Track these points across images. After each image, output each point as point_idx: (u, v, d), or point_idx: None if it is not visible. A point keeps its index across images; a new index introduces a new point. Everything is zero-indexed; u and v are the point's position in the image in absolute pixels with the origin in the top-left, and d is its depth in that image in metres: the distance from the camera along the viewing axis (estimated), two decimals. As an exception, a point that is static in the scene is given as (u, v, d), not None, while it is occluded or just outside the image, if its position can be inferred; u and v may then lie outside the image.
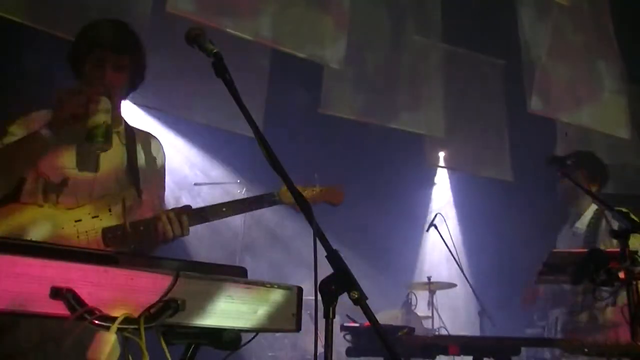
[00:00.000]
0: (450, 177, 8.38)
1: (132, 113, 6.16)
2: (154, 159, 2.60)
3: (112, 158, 2.43)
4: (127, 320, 1.25)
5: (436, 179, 8.45)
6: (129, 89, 2.57)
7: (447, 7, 6.07)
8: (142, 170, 2.51)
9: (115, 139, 2.42)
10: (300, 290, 1.53)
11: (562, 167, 3.30)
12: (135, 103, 5.53)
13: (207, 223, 2.53)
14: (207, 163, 6.96)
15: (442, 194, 8.44)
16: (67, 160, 2.36)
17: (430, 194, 8.48)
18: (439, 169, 8.20)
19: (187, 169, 6.82)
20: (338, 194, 3.00)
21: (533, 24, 6.10)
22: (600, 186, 3.65)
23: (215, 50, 1.82)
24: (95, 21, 2.51)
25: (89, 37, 2.42)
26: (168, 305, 1.29)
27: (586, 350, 2.80)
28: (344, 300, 1.48)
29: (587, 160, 3.76)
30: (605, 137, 6.28)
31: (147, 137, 2.66)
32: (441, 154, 6.95)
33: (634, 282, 2.55)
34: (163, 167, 2.66)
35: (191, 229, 2.39)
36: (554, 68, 6.05)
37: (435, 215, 6.34)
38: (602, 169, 3.78)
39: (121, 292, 1.29)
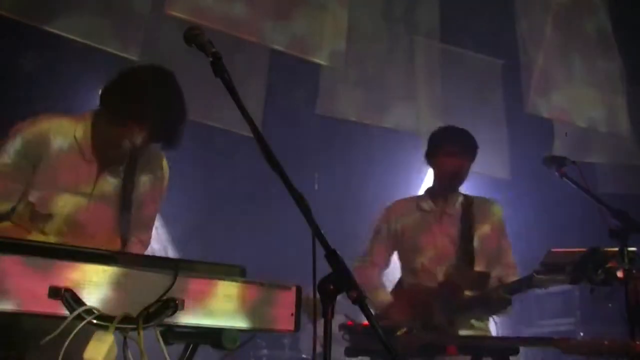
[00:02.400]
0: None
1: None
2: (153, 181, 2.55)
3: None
4: (126, 319, 1.25)
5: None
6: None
7: (446, 6, 6.07)
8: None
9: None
10: (299, 289, 1.53)
11: (560, 167, 3.30)
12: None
13: None
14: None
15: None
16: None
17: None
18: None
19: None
20: None
21: (531, 23, 6.10)
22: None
23: (214, 50, 1.82)
24: (141, 75, 2.38)
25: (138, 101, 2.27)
26: (167, 304, 1.30)
27: (585, 350, 2.81)
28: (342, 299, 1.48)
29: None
30: (604, 137, 6.28)
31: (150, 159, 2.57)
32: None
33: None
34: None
35: None
36: (552, 68, 6.05)
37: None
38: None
39: (120, 291, 1.29)
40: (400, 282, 3.53)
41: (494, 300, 3.00)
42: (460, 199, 3.46)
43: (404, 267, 3.53)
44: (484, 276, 3.14)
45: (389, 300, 3.31)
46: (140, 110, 2.24)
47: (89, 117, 2.37)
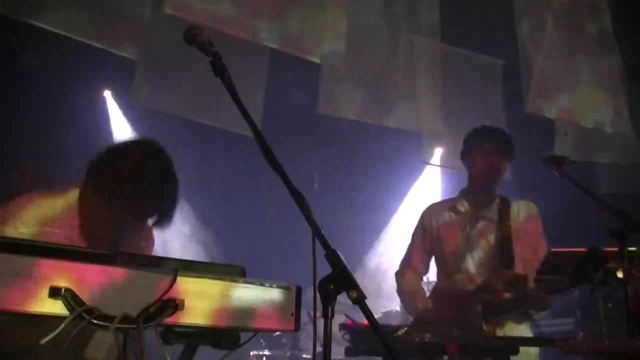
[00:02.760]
0: (448, 176, 8.38)
1: (132, 113, 6.18)
2: None
3: None
4: (126, 319, 1.25)
5: (435, 178, 8.45)
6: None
7: (445, 6, 6.06)
8: None
9: None
10: (299, 289, 1.53)
11: (560, 167, 3.30)
12: (134, 103, 5.53)
13: None
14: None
15: (441, 192, 8.44)
16: None
17: (430, 192, 8.48)
18: (437, 168, 8.21)
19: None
20: None
21: (532, 23, 6.10)
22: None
23: (213, 50, 1.82)
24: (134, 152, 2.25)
25: (132, 182, 2.15)
26: (167, 304, 1.30)
27: (585, 350, 2.81)
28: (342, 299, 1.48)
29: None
30: (605, 137, 6.28)
31: None
32: (439, 153, 6.95)
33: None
34: None
35: None
36: (552, 67, 6.04)
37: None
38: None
39: (120, 291, 1.29)
40: (436, 287, 3.53)
41: (532, 301, 2.99)
42: (497, 200, 3.45)
43: (439, 271, 3.54)
44: (522, 278, 3.13)
45: (426, 306, 3.31)
46: (133, 191, 2.11)
47: (72, 194, 2.21)
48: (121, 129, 7.11)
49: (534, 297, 2.98)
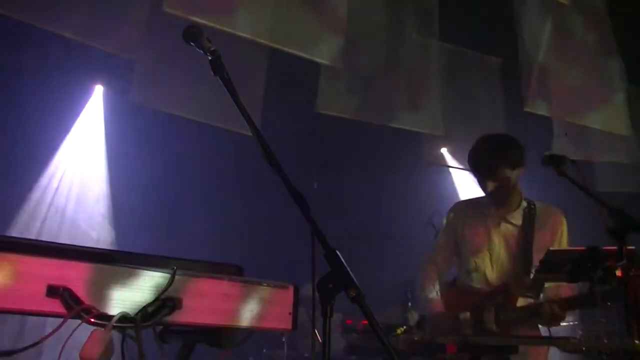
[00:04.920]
0: (449, 174, 8.38)
1: (131, 112, 6.16)
2: None
3: None
4: (124, 318, 1.25)
5: (434, 177, 8.45)
6: None
7: (446, 5, 6.07)
8: None
9: None
10: (296, 288, 1.53)
11: (559, 166, 3.30)
12: (133, 101, 5.52)
13: None
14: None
15: (439, 191, 8.44)
16: None
17: (429, 191, 8.47)
18: (437, 167, 8.21)
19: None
20: None
21: (531, 22, 6.10)
22: None
23: (212, 49, 1.82)
24: None
25: None
26: (165, 303, 1.30)
27: (584, 348, 2.81)
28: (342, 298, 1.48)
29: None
30: (603, 136, 6.28)
31: None
32: (440, 152, 6.96)
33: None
34: None
35: None
36: (552, 66, 6.04)
37: (433, 214, 6.34)
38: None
39: (118, 290, 1.28)
40: (454, 281, 3.51)
41: (546, 316, 2.98)
42: (524, 205, 3.44)
43: (460, 267, 3.51)
44: (538, 284, 3.12)
45: (440, 308, 3.30)
46: None
47: None
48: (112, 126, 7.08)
49: (549, 312, 2.95)
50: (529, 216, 3.40)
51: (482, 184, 3.36)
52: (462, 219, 3.51)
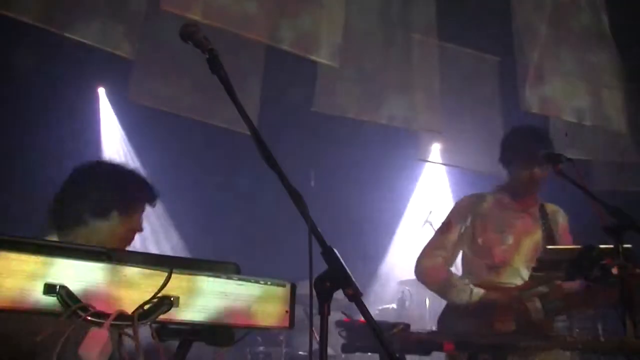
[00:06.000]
0: (444, 173, 8.40)
1: (129, 111, 6.17)
2: None
3: None
4: (121, 316, 1.25)
5: (431, 175, 8.47)
6: None
7: (442, 4, 6.07)
8: None
9: None
10: (293, 286, 1.53)
11: (556, 164, 3.30)
12: (131, 100, 5.52)
13: None
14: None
15: (437, 190, 8.46)
16: None
17: (426, 190, 8.49)
18: (433, 165, 8.24)
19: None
20: None
21: (527, 19, 6.10)
22: None
23: (210, 47, 1.81)
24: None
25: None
26: (162, 301, 1.30)
27: (580, 346, 2.82)
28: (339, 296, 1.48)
29: None
30: (601, 134, 6.29)
31: None
32: (436, 150, 6.96)
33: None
34: None
35: None
36: (548, 64, 6.05)
37: (430, 212, 6.36)
38: None
39: (115, 288, 1.28)
40: (478, 282, 3.40)
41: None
42: (539, 200, 3.48)
43: (477, 263, 3.44)
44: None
45: (486, 297, 3.21)
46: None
47: None
48: (111, 126, 7.11)
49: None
50: (543, 211, 3.45)
51: (526, 172, 3.33)
52: (478, 213, 3.45)
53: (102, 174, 2.40)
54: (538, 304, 3.03)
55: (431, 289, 3.59)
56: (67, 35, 4.55)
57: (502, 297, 3.14)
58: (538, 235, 3.39)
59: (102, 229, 2.27)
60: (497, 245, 3.38)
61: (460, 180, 7.53)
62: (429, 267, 3.44)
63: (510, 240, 3.36)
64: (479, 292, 3.23)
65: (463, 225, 3.47)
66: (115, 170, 2.45)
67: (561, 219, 3.50)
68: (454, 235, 3.47)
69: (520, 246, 3.32)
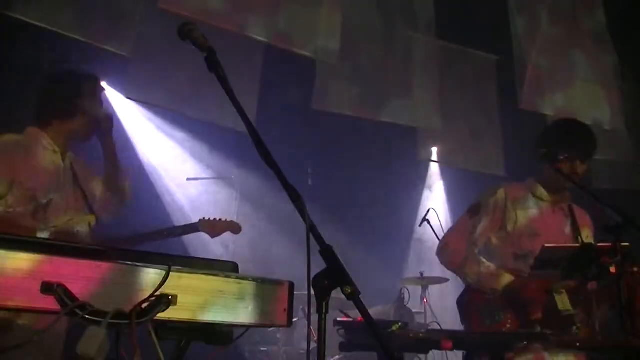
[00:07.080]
0: (443, 172, 8.40)
1: (129, 109, 6.16)
2: None
3: None
4: (119, 315, 1.25)
5: (429, 174, 8.47)
6: None
7: (440, 2, 6.07)
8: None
9: None
10: (291, 285, 1.53)
11: (555, 163, 3.31)
12: (129, 99, 5.51)
13: None
14: (202, 158, 6.95)
15: (435, 189, 8.46)
16: None
17: (423, 189, 8.49)
18: (431, 164, 8.24)
19: (181, 163, 6.80)
20: (237, 226, 3.80)
21: (526, 19, 6.10)
22: None
23: (208, 46, 1.81)
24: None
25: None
26: (160, 300, 1.29)
27: (578, 345, 2.82)
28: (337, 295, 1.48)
29: None
30: (599, 133, 6.28)
31: None
32: (434, 149, 6.96)
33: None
34: None
35: None
36: (546, 64, 6.05)
37: (428, 211, 6.35)
38: None
39: (112, 287, 1.28)
40: (506, 269, 3.37)
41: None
42: (569, 199, 3.53)
43: (504, 251, 3.42)
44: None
45: (516, 284, 3.18)
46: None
47: None
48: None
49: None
50: (571, 211, 3.51)
51: (568, 165, 3.33)
52: (514, 201, 3.45)
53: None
54: (567, 296, 3.02)
55: (451, 269, 3.51)
56: (63, 33, 4.54)
57: (532, 287, 3.12)
58: (568, 230, 3.44)
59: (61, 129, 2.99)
60: (526, 234, 3.38)
61: (459, 179, 7.53)
62: (454, 248, 3.43)
63: (541, 231, 3.36)
64: (509, 278, 3.21)
65: (494, 211, 3.44)
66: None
67: (585, 220, 3.53)
68: (483, 221, 3.44)
69: (549, 239, 3.30)
